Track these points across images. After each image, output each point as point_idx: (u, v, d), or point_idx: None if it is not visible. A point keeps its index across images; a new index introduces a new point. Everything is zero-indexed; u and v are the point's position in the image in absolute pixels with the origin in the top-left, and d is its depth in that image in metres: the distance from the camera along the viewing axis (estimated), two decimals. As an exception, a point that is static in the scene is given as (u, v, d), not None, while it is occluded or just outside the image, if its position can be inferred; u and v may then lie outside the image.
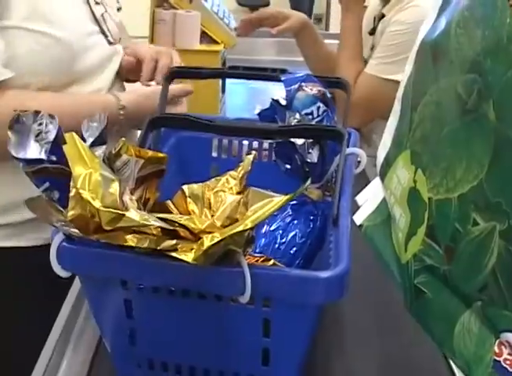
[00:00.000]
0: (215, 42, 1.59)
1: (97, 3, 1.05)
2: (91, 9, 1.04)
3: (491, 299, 0.47)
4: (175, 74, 0.90)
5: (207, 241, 0.52)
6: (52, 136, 0.59)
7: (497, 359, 0.47)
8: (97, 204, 0.52)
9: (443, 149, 0.51)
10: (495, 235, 0.46)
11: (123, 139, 0.59)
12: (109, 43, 1.06)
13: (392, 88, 1.42)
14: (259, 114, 0.89)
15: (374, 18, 1.64)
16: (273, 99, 0.86)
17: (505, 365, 0.46)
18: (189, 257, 0.52)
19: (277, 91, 1.77)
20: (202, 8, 1.56)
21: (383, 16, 1.56)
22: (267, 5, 6.93)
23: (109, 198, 0.53)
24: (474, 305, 0.49)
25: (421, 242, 0.54)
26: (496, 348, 0.47)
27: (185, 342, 0.66)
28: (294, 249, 0.82)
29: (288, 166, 0.87)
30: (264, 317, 0.61)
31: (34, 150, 0.58)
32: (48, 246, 0.86)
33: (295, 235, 0.83)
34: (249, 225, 0.53)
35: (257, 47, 2.09)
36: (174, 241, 0.54)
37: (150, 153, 0.61)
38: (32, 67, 0.93)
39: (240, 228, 0.53)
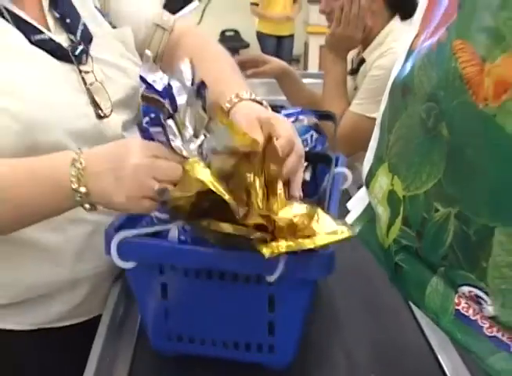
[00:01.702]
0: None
1: (86, 72, 0.95)
2: (82, 77, 0.94)
3: (451, 264, 0.63)
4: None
5: (283, 247, 0.68)
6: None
7: (457, 308, 0.63)
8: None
9: (412, 159, 0.67)
10: (451, 218, 0.62)
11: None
12: (98, 117, 0.95)
13: (372, 124, 1.62)
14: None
15: (352, 59, 1.82)
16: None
17: (463, 311, 0.63)
18: (266, 252, 0.67)
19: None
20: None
21: (363, 59, 1.72)
22: (247, 46, 7.14)
23: None
24: (438, 271, 0.65)
25: (399, 229, 0.70)
26: (456, 300, 0.63)
27: (208, 319, 0.82)
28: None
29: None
30: (269, 294, 0.78)
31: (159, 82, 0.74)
32: (32, 331, 1.00)
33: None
34: (316, 245, 0.69)
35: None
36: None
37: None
38: None
39: (311, 246, 0.69)
